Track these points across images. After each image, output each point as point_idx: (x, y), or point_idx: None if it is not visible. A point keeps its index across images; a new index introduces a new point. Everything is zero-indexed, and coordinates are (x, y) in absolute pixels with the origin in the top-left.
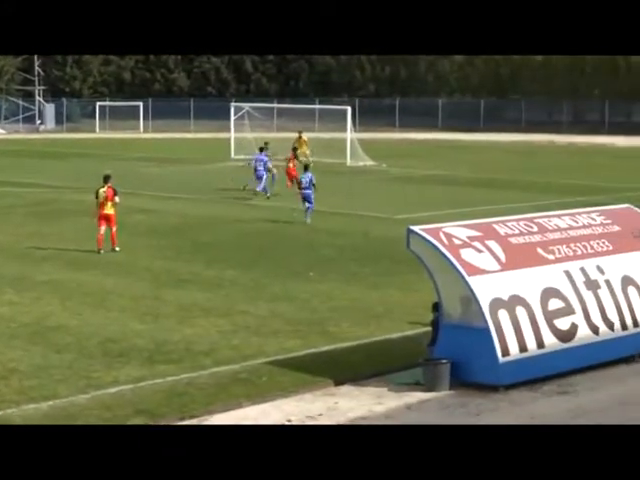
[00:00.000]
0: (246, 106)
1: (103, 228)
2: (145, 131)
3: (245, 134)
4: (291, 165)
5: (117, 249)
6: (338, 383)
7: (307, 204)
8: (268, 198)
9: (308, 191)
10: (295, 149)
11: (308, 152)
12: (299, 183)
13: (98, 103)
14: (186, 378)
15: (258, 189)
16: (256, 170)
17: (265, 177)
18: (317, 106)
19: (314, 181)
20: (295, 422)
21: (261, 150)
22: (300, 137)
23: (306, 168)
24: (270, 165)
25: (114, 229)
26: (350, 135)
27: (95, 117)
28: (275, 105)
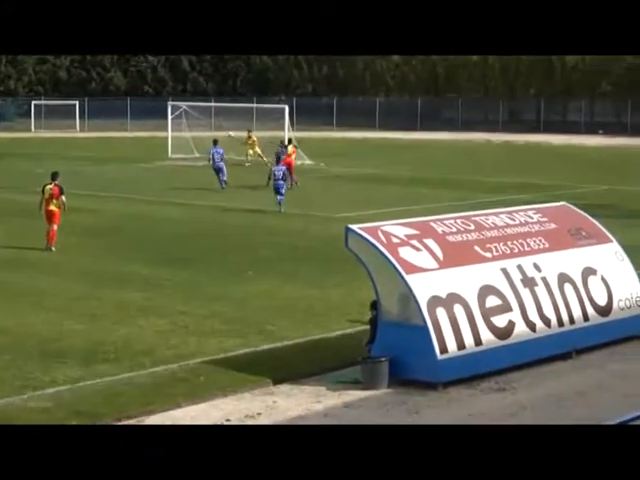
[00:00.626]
0: (183, 105)
1: (54, 226)
2: (81, 130)
3: (182, 133)
4: (293, 157)
5: (53, 249)
6: (277, 382)
7: (279, 196)
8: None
9: (281, 182)
10: (289, 142)
11: (259, 151)
12: (273, 175)
13: (33, 102)
14: (124, 378)
15: (223, 179)
16: (215, 162)
17: (224, 168)
18: (255, 105)
19: (286, 173)
20: (234, 421)
21: (215, 143)
22: (249, 137)
23: (278, 160)
24: (224, 157)
25: (55, 227)
26: (288, 134)
27: (30, 116)
28: (212, 104)
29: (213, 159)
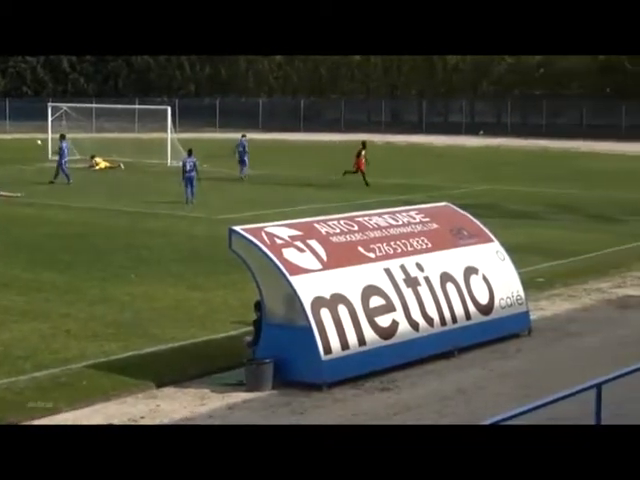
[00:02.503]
0: (64, 106)
1: None
2: None
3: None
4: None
5: None
6: (160, 385)
7: (190, 187)
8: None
9: (192, 174)
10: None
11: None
12: (184, 167)
13: None
14: (4, 383)
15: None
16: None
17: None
18: (137, 106)
19: (197, 165)
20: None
21: (62, 137)
22: (96, 162)
23: (190, 153)
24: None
25: None
26: (170, 135)
27: None
28: (94, 105)
29: (63, 154)
